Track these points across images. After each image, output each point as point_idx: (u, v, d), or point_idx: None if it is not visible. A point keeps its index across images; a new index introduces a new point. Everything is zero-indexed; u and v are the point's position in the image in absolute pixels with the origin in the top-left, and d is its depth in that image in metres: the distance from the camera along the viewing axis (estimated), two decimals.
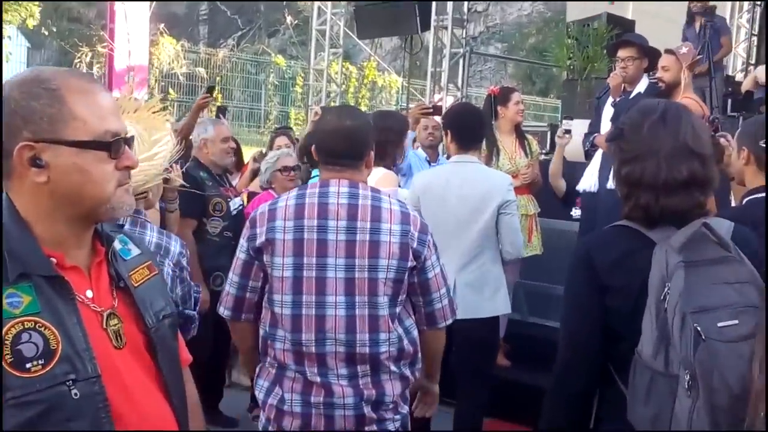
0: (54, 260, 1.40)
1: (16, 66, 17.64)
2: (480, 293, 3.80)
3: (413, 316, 2.61)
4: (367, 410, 2.45)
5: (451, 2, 11.33)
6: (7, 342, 1.30)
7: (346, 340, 2.44)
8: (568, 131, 5.36)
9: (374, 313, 2.46)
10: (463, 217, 3.80)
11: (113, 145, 1.42)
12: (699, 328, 1.65)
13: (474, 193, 3.81)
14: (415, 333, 2.59)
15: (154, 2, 12.97)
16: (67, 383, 1.33)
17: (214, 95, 6.27)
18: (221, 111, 6.32)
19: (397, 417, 2.55)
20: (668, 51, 5.18)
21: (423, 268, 2.54)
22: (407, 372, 2.56)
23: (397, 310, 2.53)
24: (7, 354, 1.30)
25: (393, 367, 2.51)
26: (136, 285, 1.53)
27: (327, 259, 2.45)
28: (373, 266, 2.46)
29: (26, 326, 1.33)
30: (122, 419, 1.40)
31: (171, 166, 2.80)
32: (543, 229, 5.39)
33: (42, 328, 1.34)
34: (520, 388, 4.88)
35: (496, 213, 3.79)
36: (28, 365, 1.31)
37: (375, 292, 2.46)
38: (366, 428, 2.47)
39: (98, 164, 1.41)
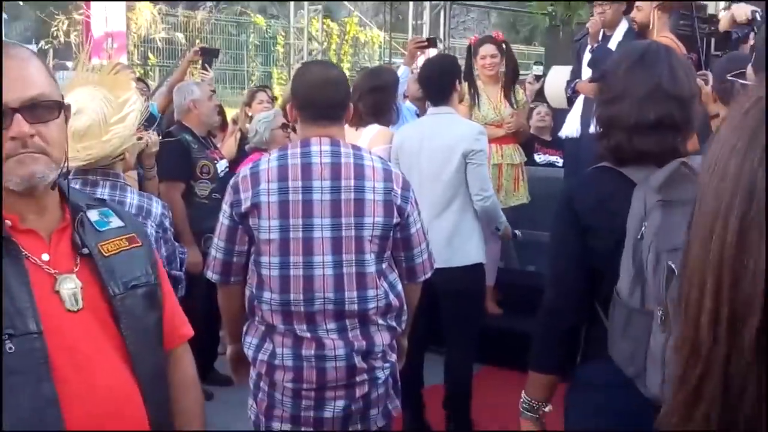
0: (8, 222, 1.44)
1: None
2: (449, 243, 3.84)
3: (396, 270, 2.64)
4: (357, 360, 2.50)
5: None
6: None
7: (334, 299, 2.47)
8: (538, 77, 5.36)
9: (361, 270, 2.49)
10: (432, 169, 3.85)
11: None
12: (673, 266, 1.69)
13: (441, 144, 3.85)
14: (400, 287, 2.62)
15: None
16: (4, 337, 1.36)
17: (216, 59, 6.22)
18: (208, 61, 6.22)
19: (387, 365, 2.60)
20: None
21: (406, 224, 2.57)
22: (394, 323, 2.60)
23: (383, 266, 2.56)
24: None
25: (380, 321, 2.55)
26: (106, 255, 1.55)
27: (313, 219, 2.46)
28: (359, 224, 2.48)
29: None
30: (66, 380, 1.41)
31: (145, 129, 2.80)
32: (529, 177, 5.43)
33: None
34: (512, 335, 4.93)
35: (464, 162, 3.82)
36: None
37: (362, 250, 2.48)
38: (357, 378, 2.51)
39: None
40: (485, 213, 3.90)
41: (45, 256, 1.48)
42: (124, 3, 12.04)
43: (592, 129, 4.82)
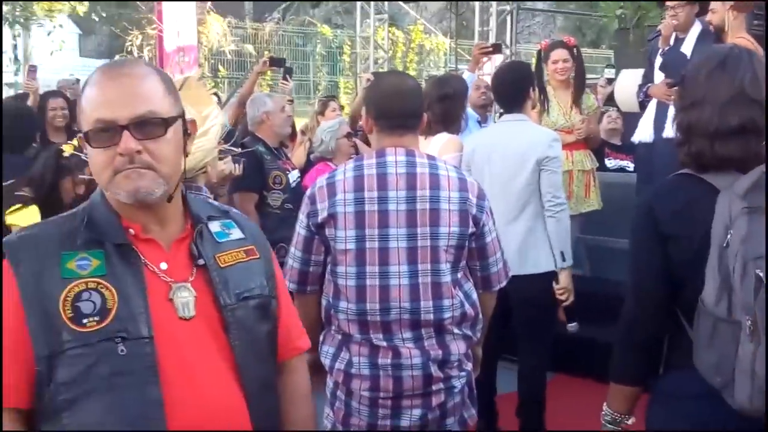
0: (132, 231, 1.53)
1: (68, 54, 18.00)
2: (521, 251, 3.80)
3: (471, 279, 2.64)
4: (433, 369, 2.50)
5: None
6: (68, 299, 1.45)
7: (410, 308, 2.48)
8: (610, 80, 5.28)
9: (437, 280, 2.50)
10: (505, 176, 3.81)
11: (91, 134, 1.49)
12: (761, 274, 1.64)
13: (515, 150, 3.81)
14: (475, 296, 2.62)
15: None
16: (116, 340, 1.44)
17: (290, 78, 6.31)
18: (288, 72, 6.33)
19: (462, 374, 2.59)
20: None
21: (482, 233, 2.57)
22: (469, 332, 2.60)
23: (459, 275, 2.56)
24: (68, 310, 1.44)
25: (456, 330, 2.55)
26: (222, 266, 1.60)
27: (389, 229, 2.48)
28: (434, 234, 2.48)
29: (89, 286, 1.47)
30: (172, 385, 1.47)
31: (224, 143, 2.86)
32: (601, 183, 5.35)
33: (103, 289, 1.47)
34: (583, 343, 4.90)
35: (537, 169, 3.77)
36: (84, 321, 1.44)
37: (437, 260, 2.49)
38: (433, 387, 2.51)
39: (96, 153, 1.50)
40: (554, 222, 3.81)
41: (163, 265, 1.55)
42: (195, 17, 12.31)
43: (665, 134, 4.80)
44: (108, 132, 1.47)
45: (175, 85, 1.60)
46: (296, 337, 1.78)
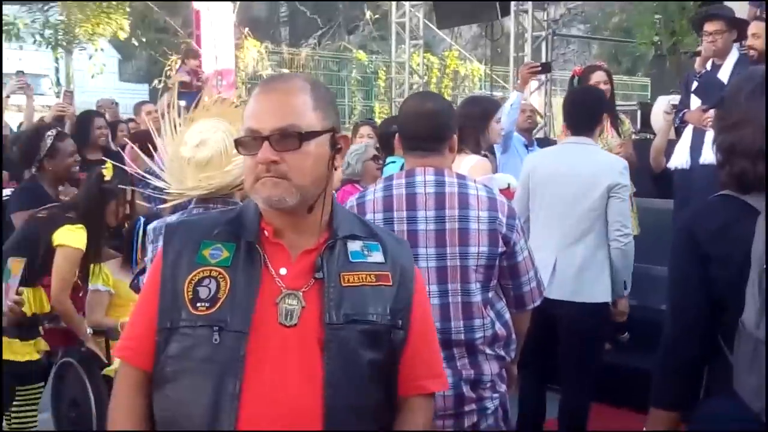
0: (266, 233, 1.62)
1: (108, 77, 18.33)
2: (579, 277, 3.73)
3: (503, 299, 2.62)
4: (466, 389, 2.48)
5: None
6: (192, 282, 1.60)
7: (441, 328, 2.45)
8: (675, 106, 5.23)
9: (467, 300, 2.49)
10: (569, 197, 3.74)
11: (240, 142, 1.60)
12: None
13: (583, 172, 3.75)
14: (507, 315, 2.61)
15: (237, 7, 13.25)
16: (214, 328, 1.55)
17: None
18: None
19: (496, 395, 2.57)
20: (758, 18, 5.01)
21: (512, 252, 2.55)
22: (502, 353, 2.58)
23: (490, 294, 2.55)
24: (190, 292, 1.59)
25: (488, 350, 2.53)
26: (344, 284, 1.62)
27: (418, 249, 2.48)
28: (464, 254, 2.48)
29: (211, 274, 1.60)
30: (253, 384, 1.52)
31: None
32: (639, 208, 5.30)
33: (221, 279, 1.59)
34: (623, 371, 4.80)
35: (606, 195, 3.69)
36: (198, 304, 1.58)
37: (467, 280, 2.48)
38: (465, 408, 2.49)
39: (245, 159, 1.61)
40: (620, 254, 3.73)
41: (282, 270, 1.62)
42: (233, 42, 12.49)
43: (702, 159, 4.74)
44: (254, 141, 1.58)
45: (325, 100, 1.66)
46: (423, 376, 1.72)
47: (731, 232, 1.89)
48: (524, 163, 3.99)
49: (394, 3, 13.52)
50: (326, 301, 1.59)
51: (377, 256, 1.68)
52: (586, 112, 3.93)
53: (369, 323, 1.62)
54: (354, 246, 1.67)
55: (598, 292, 3.77)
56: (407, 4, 13.19)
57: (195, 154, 2.66)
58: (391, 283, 1.66)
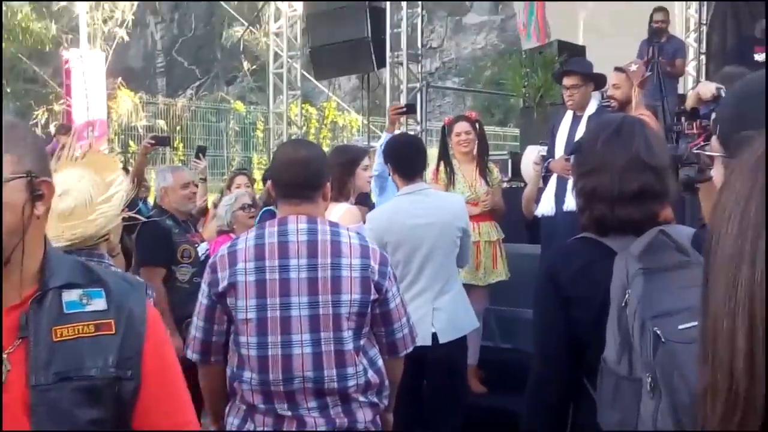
0: None
1: None
2: (455, 313, 3.88)
3: (376, 346, 2.62)
4: None
5: (405, 38, 11.46)
6: None
7: (314, 377, 2.44)
8: (544, 157, 5.40)
9: (340, 348, 2.47)
10: (432, 244, 3.83)
11: None
12: (658, 332, 1.68)
13: (439, 219, 3.86)
14: (380, 362, 2.61)
15: (110, 57, 12.98)
16: None
17: (203, 157, 6.27)
18: (201, 151, 6.31)
19: None
20: (618, 69, 5.30)
21: (385, 299, 2.56)
22: (375, 399, 2.57)
23: (362, 342, 2.54)
24: None
25: (361, 398, 2.52)
26: (55, 340, 1.45)
27: (290, 298, 2.45)
28: (336, 302, 2.47)
29: None
30: None
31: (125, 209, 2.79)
32: (508, 254, 5.44)
33: None
34: (495, 413, 4.87)
35: (461, 235, 3.89)
36: None
37: (340, 328, 2.47)
38: None
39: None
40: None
41: None
42: (105, 92, 12.19)
43: (566, 207, 4.93)
44: None
45: (23, 142, 1.45)
46: (164, 427, 1.54)
47: (590, 274, 1.96)
48: (369, 223, 3.91)
49: (271, 54, 13.56)
50: (32, 361, 1.42)
51: (99, 304, 1.49)
52: (409, 158, 3.98)
53: (86, 378, 1.44)
54: (70, 296, 1.48)
55: (473, 320, 4.04)
56: (284, 55, 13.25)
57: (57, 204, 2.55)
58: (114, 332, 1.48)
